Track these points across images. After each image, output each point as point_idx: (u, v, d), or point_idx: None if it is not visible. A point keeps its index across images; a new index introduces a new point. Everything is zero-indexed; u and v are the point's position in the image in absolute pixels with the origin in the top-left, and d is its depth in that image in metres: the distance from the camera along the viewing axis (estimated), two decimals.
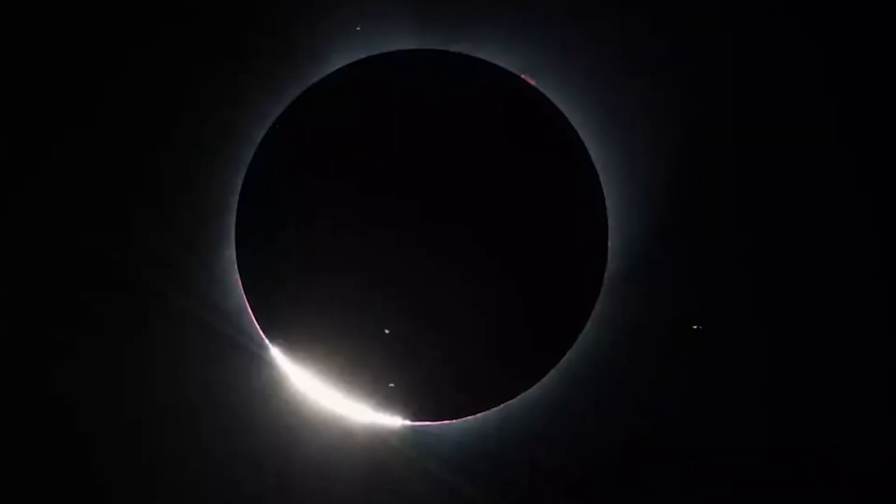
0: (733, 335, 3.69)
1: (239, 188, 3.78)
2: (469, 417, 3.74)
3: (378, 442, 3.72)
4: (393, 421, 3.75)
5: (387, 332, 3.61)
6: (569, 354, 3.75)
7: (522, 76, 3.81)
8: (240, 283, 3.78)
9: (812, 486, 3.60)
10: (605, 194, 3.80)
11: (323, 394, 3.75)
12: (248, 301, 3.76)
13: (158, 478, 3.66)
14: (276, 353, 3.76)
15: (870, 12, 3.64)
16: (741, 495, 3.61)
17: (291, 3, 3.74)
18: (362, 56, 3.80)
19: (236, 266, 3.78)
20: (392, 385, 3.68)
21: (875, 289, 3.61)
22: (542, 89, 3.81)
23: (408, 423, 3.76)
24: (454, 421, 3.74)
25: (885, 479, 3.59)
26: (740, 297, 3.70)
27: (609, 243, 3.79)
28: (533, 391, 3.76)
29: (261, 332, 3.75)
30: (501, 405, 3.74)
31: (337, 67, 3.80)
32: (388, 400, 3.72)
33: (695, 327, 3.70)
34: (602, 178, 3.80)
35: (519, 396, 3.76)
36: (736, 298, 3.70)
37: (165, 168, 3.74)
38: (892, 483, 3.59)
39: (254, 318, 3.76)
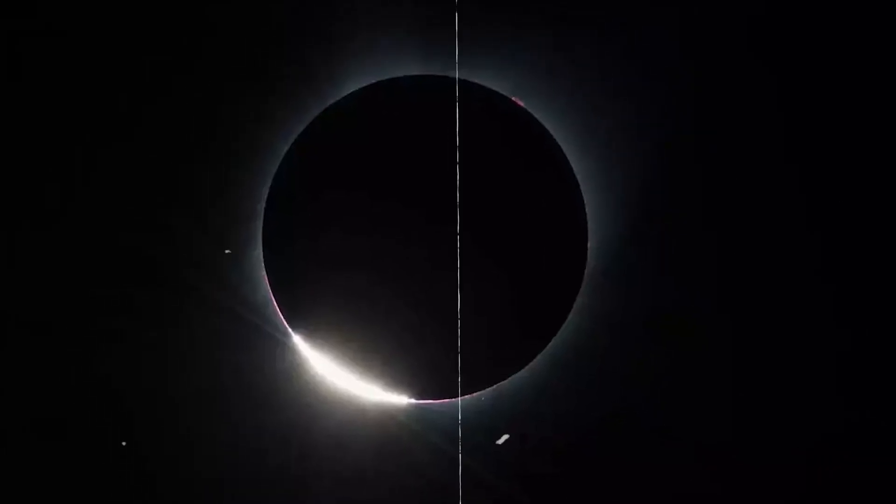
0: (698, 323, 3.79)
1: (265, 196, 3.81)
2: (466, 396, 3.78)
3: (387, 418, 3.79)
4: (400, 399, 3.80)
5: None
6: (553, 341, 3.81)
7: (513, 98, 3.86)
8: (266, 279, 3.81)
9: (769, 457, 3.73)
10: (584, 201, 3.84)
11: (339, 376, 3.80)
12: (274, 295, 3.80)
13: (195, 448, 3.74)
14: (298, 340, 3.81)
15: (813, 42, 3.77)
16: (705, 465, 3.72)
17: (311, 36, 3.78)
18: (373, 81, 3.84)
19: (263, 264, 3.82)
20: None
21: (819, 283, 3.77)
22: (530, 110, 3.86)
23: (413, 401, 3.81)
24: (453, 399, 3.78)
25: (835, 451, 3.73)
26: (703, 289, 3.81)
27: (588, 244, 3.84)
28: (522, 374, 3.81)
29: (284, 322, 3.80)
30: (494, 386, 3.81)
31: (351, 91, 3.84)
32: (396, 381, 3.79)
33: None
34: (582, 188, 3.84)
35: (509, 378, 3.81)
36: (700, 291, 3.81)
37: (202, 178, 3.78)
38: (842, 454, 3.72)
39: (278, 310, 3.80)
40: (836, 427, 3.76)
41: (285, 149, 3.83)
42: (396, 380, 3.80)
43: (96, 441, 3.72)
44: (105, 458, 3.72)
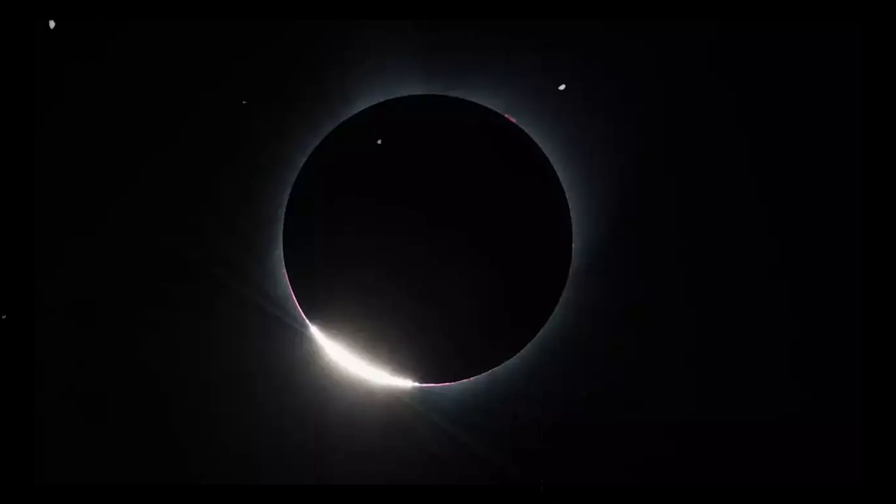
0: (668, 315, 3.91)
1: (286, 202, 3.94)
2: (464, 380, 3.93)
3: (393, 399, 3.91)
4: (405, 383, 3.94)
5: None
6: (542, 331, 3.93)
7: (505, 115, 3.99)
8: (286, 276, 3.94)
9: (729, 428, 3.86)
10: (569, 207, 3.96)
11: (351, 362, 3.93)
12: (293, 290, 3.93)
13: (222, 426, 3.86)
14: (315, 331, 3.94)
15: (769, 65, 3.87)
16: (673, 438, 3.86)
17: (326, 61, 3.88)
18: (381, 100, 3.97)
19: (284, 263, 3.95)
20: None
21: (776, 280, 3.90)
22: (520, 125, 3.98)
23: (417, 384, 3.94)
24: (453, 383, 3.93)
25: (787, 424, 3.85)
26: (674, 285, 3.93)
27: (573, 244, 3.96)
28: (514, 360, 3.94)
29: (303, 314, 3.93)
30: (489, 370, 3.94)
31: (361, 109, 3.97)
32: (401, 366, 3.92)
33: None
34: (567, 194, 3.96)
35: (503, 364, 3.94)
36: (671, 286, 3.93)
37: (230, 186, 3.90)
38: (793, 427, 3.85)
39: (297, 303, 3.93)
40: (787, 403, 3.86)
41: (303, 160, 3.96)
42: (402, 365, 3.94)
43: (136, 419, 3.87)
44: (144, 433, 3.86)
